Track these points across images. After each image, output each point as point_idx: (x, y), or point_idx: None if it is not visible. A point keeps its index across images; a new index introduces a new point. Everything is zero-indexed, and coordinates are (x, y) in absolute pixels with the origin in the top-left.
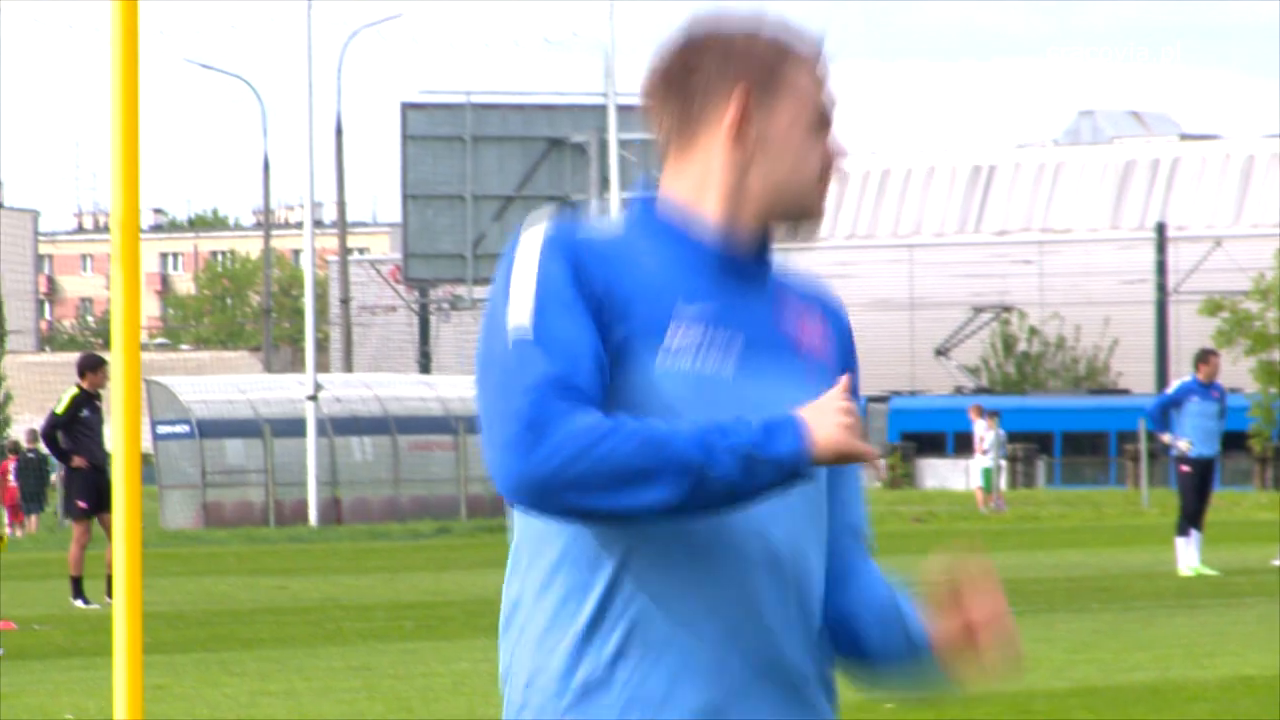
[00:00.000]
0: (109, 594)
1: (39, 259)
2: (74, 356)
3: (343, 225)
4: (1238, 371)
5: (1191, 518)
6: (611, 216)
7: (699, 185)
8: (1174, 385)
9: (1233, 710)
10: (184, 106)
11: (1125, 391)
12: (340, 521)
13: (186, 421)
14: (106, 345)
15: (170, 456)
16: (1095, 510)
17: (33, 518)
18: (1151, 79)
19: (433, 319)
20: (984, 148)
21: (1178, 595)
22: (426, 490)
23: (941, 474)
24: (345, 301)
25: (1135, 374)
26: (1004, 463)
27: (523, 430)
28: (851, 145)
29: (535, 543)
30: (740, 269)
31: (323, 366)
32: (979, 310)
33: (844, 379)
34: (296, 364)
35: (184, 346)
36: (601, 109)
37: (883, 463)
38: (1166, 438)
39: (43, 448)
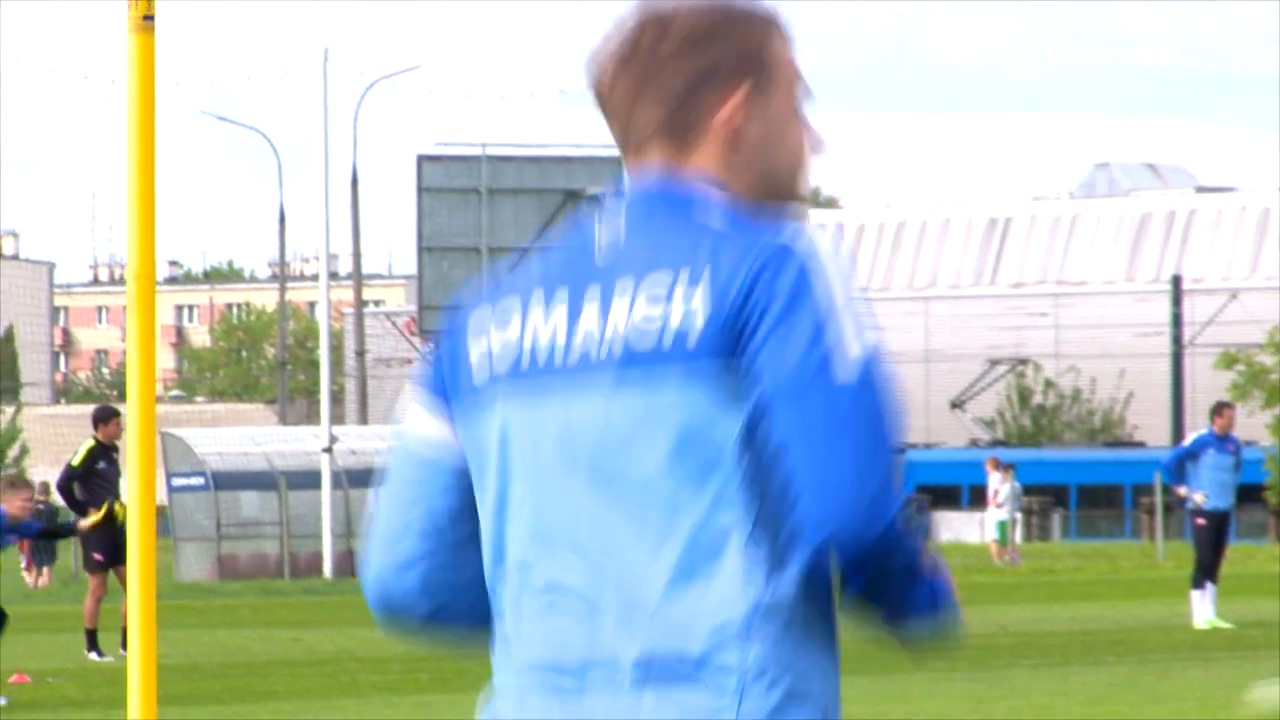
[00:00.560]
0: (124, 646)
1: (54, 311)
2: (89, 409)
3: (358, 277)
4: (1253, 425)
5: (1207, 571)
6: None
7: (700, 176)
8: (1190, 438)
9: None
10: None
11: (1141, 444)
12: (355, 574)
13: (201, 474)
14: (122, 397)
15: (185, 509)
16: (1110, 563)
17: (44, 569)
18: (1167, 132)
19: None
20: (999, 200)
21: (1193, 648)
22: None
23: (956, 527)
24: (360, 354)
25: (1151, 427)
26: (1019, 515)
27: (893, 478)
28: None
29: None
30: None
31: (338, 419)
32: (994, 363)
33: None
34: (312, 416)
35: (199, 399)
36: (618, 161)
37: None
38: (1182, 491)
39: (55, 499)
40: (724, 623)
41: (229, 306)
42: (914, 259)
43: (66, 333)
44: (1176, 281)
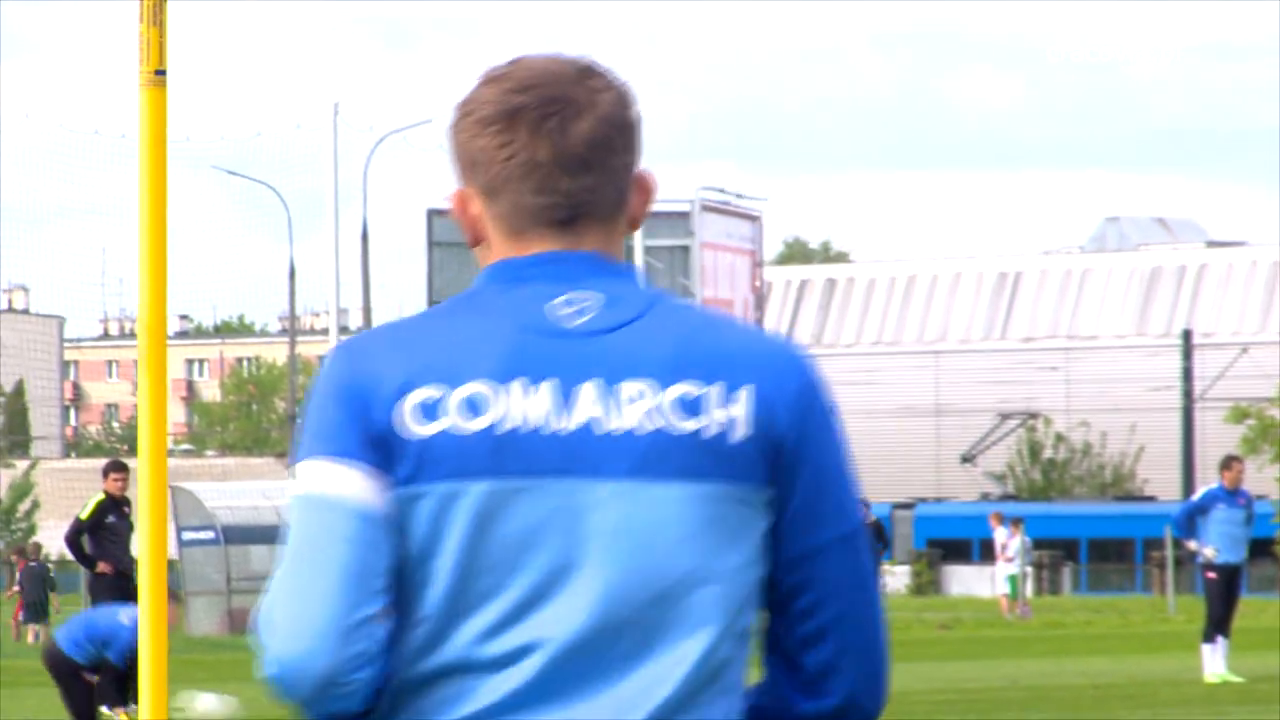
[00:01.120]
0: (134, 701)
1: (65, 365)
2: (100, 462)
3: None
4: (1263, 479)
5: (1218, 624)
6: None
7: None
8: (1200, 492)
9: None
10: (210, 213)
11: (1151, 498)
12: None
13: (211, 528)
14: (132, 451)
15: (195, 563)
16: (1121, 617)
17: (32, 628)
18: (1177, 186)
19: None
20: (1010, 254)
21: (1204, 702)
22: None
23: (967, 581)
24: None
25: (1161, 481)
26: (1029, 569)
27: None
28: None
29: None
30: None
31: None
32: (1005, 416)
33: None
34: None
35: (209, 453)
36: None
37: (907, 569)
38: (1193, 545)
39: (52, 556)
40: None
41: (239, 360)
42: (925, 313)
43: (77, 387)
44: (1187, 336)
